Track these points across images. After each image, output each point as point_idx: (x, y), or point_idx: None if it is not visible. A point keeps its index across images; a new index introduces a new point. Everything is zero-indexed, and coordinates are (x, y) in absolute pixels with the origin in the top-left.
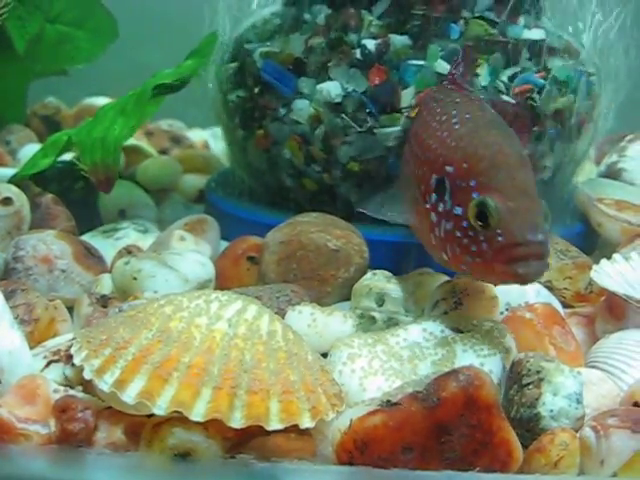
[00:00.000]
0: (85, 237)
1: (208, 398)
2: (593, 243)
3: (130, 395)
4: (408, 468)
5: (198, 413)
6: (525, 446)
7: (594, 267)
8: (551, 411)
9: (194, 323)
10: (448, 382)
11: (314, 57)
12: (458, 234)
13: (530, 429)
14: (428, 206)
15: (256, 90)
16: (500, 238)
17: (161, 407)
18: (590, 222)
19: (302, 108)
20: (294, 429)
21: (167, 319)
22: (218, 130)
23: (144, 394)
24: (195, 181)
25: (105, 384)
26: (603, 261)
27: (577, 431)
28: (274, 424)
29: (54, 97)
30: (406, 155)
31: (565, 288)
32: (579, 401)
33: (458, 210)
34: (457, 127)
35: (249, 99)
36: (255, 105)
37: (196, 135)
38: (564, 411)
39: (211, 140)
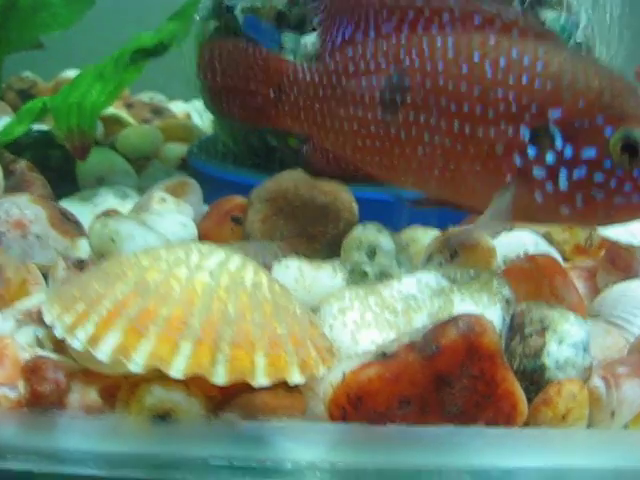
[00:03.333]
0: (62, 203)
1: (188, 352)
2: None
3: (104, 352)
4: (406, 423)
5: (178, 369)
6: (529, 400)
7: None
8: (557, 361)
9: (173, 274)
10: (447, 329)
11: (297, 9)
12: (600, 178)
13: (534, 381)
14: (519, 165)
15: None
16: None
17: (138, 363)
18: None
19: None
20: (282, 386)
21: (144, 271)
22: (200, 103)
23: (119, 350)
24: (177, 149)
25: (78, 341)
26: None
27: (585, 381)
28: (260, 379)
29: (30, 71)
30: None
31: (565, 241)
32: (586, 349)
33: (590, 152)
34: (540, 66)
35: None
36: None
37: (178, 107)
38: (571, 361)
39: (194, 113)
